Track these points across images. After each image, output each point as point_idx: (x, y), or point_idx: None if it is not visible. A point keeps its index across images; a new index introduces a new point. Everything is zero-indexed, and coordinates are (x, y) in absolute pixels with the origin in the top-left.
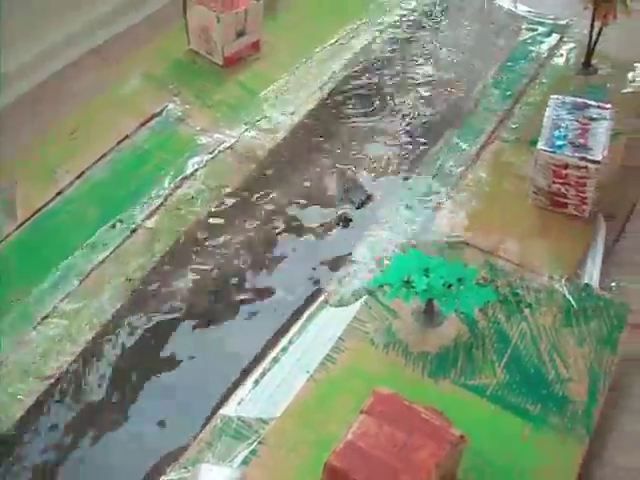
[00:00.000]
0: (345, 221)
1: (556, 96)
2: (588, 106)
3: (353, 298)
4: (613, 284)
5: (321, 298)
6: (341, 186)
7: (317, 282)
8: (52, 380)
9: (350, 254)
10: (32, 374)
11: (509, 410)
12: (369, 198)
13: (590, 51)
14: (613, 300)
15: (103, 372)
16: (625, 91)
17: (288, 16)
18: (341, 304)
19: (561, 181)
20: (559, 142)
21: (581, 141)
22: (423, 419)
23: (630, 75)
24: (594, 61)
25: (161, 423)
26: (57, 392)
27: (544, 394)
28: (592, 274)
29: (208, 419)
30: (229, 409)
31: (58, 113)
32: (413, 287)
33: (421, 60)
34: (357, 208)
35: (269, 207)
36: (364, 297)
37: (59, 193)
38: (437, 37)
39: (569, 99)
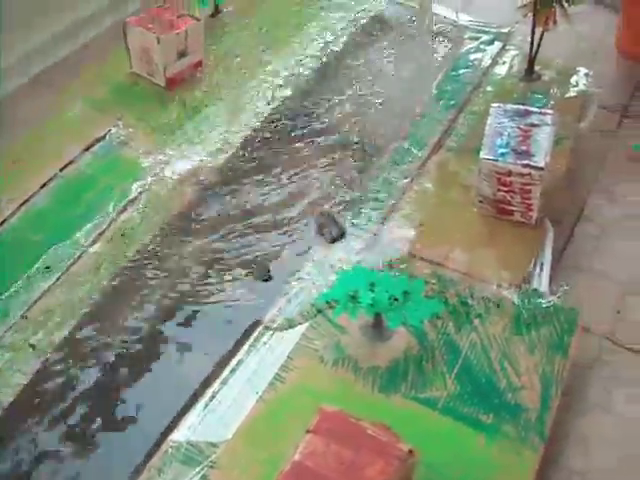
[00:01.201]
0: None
1: (497, 104)
2: (530, 113)
3: (297, 320)
4: (562, 289)
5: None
6: (317, 221)
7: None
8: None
9: (297, 271)
10: None
11: (462, 421)
12: (343, 235)
13: (532, 58)
14: (563, 305)
15: (49, 405)
16: (568, 96)
17: (231, 36)
18: (284, 327)
19: (506, 189)
20: (502, 150)
21: (523, 148)
22: (370, 435)
23: (573, 79)
24: (537, 67)
25: (110, 452)
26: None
27: (496, 403)
28: (541, 280)
29: (158, 446)
30: (179, 434)
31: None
32: (359, 302)
33: (364, 75)
34: (331, 242)
35: (210, 229)
36: (312, 315)
37: (3, 222)
38: (379, 50)
39: (510, 106)
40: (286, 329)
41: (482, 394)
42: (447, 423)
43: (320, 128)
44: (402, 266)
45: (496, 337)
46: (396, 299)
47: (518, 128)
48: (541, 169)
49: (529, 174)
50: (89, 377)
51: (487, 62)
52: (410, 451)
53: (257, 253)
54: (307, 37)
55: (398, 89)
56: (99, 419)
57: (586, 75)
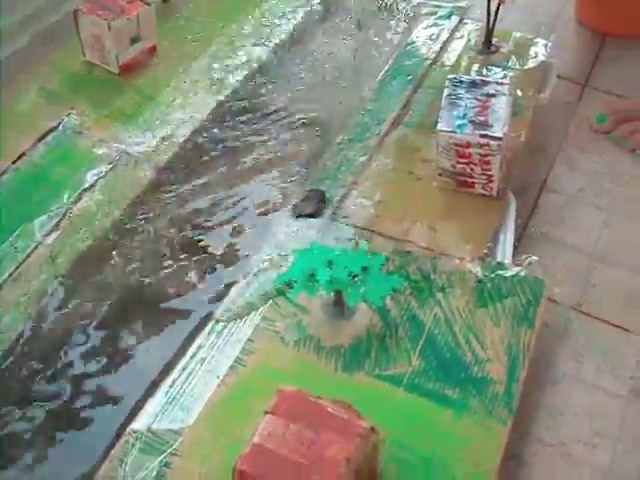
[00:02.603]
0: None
1: (453, 75)
2: (486, 83)
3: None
4: (527, 260)
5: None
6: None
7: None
8: None
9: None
10: None
11: (428, 397)
12: (314, 216)
13: (490, 30)
14: (527, 276)
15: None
16: (527, 67)
17: (184, 20)
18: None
19: (465, 161)
20: (459, 121)
21: (481, 118)
22: (330, 414)
23: (532, 51)
24: (495, 40)
25: (68, 442)
26: None
27: (463, 378)
28: (505, 252)
29: (118, 436)
30: (139, 423)
31: None
32: (317, 280)
33: (317, 55)
34: (296, 217)
35: (166, 219)
36: (271, 295)
37: None
38: (330, 29)
39: (466, 77)
40: (247, 313)
41: (447, 369)
42: (413, 400)
43: (274, 109)
44: (362, 243)
45: (460, 310)
46: (355, 276)
47: (475, 99)
48: (500, 139)
49: (487, 144)
50: (46, 367)
51: (445, 36)
52: (372, 428)
53: (216, 232)
54: (259, 20)
55: (352, 67)
56: (57, 411)
57: (545, 46)
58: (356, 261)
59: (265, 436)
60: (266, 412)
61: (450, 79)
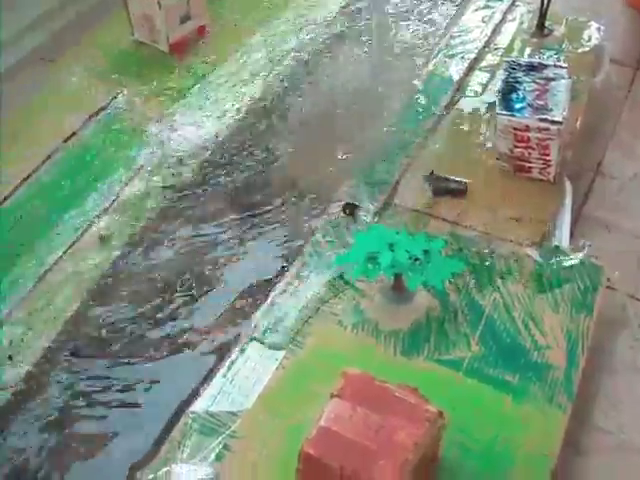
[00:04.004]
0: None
1: (510, 58)
2: (545, 66)
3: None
4: (584, 246)
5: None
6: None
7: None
8: (12, 390)
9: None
10: None
11: (487, 383)
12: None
13: (543, 13)
14: (586, 262)
15: (61, 380)
16: (581, 51)
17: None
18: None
19: (523, 145)
20: (518, 105)
21: (540, 102)
22: (398, 398)
23: (585, 34)
24: (548, 23)
25: (128, 425)
26: (19, 400)
27: (522, 364)
28: (562, 237)
29: (177, 418)
30: (198, 405)
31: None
32: (378, 263)
33: (371, 34)
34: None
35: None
36: (329, 277)
37: (6, 198)
38: (387, 9)
39: (524, 60)
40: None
41: (507, 354)
42: (472, 385)
43: (327, 89)
44: (418, 226)
45: (519, 296)
46: (416, 259)
47: (534, 82)
48: (559, 123)
49: (547, 129)
50: (104, 351)
51: (497, 19)
52: (440, 413)
53: (268, 216)
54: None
55: (406, 47)
56: (118, 393)
57: (598, 29)
58: (417, 244)
59: (332, 419)
60: (332, 395)
61: (508, 62)
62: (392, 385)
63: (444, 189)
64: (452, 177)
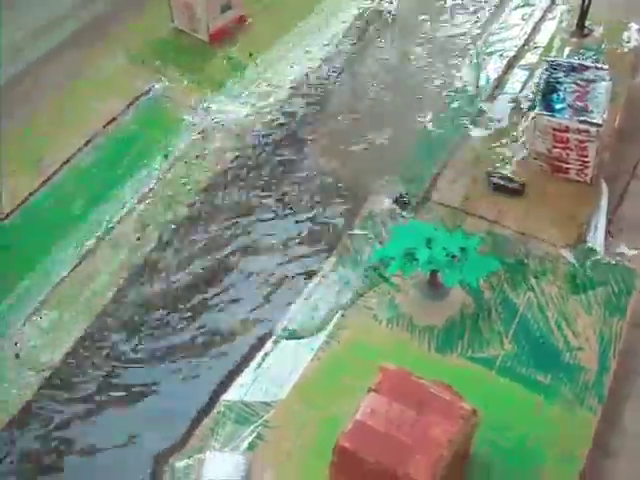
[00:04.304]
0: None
1: (550, 58)
2: (586, 68)
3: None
4: (619, 249)
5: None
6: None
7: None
8: (48, 372)
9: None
10: (27, 366)
11: (519, 382)
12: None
13: (583, 12)
14: (620, 265)
15: (97, 363)
16: (620, 51)
17: None
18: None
19: (562, 146)
20: (558, 105)
21: (581, 104)
22: (433, 394)
23: (625, 35)
24: (588, 23)
25: (162, 410)
26: (53, 384)
27: (554, 364)
28: (597, 239)
29: (211, 406)
30: (232, 394)
31: (40, 101)
32: (416, 259)
33: (414, 31)
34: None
35: (253, 186)
36: (365, 271)
37: (46, 181)
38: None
39: (564, 61)
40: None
41: (539, 354)
42: (505, 383)
43: (365, 82)
44: (455, 223)
45: (553, 296)
46: (453, 256)
47: (574, 84)
48: (599, 125)
49: (587, 131)
50: (135, 339)
51: (537, 17)
52: (474, 411)
53: (304, 208)
54: None
55: (446, 44)
56: (150, 378)
57: (638, 31)
58: (454, 242)
59: (368, 413)
60: (369, 389)
61: (548, 62)
62: (428, 381)
63: (503, 187)
64: (512, 176)
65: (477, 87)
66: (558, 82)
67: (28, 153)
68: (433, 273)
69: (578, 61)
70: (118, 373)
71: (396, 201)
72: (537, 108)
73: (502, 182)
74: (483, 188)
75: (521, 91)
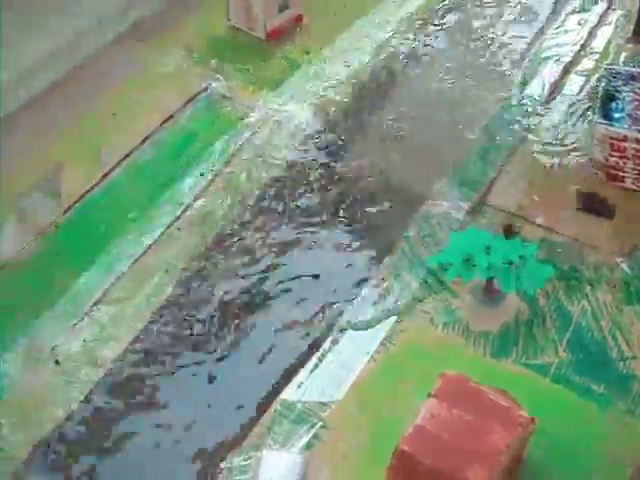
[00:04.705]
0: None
1: (610, 66)
2: None
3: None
4: None
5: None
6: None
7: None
8: (105, 368)
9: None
10: (85, 362)
11: (573, 389)
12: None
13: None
14: None
15: (154, 360)
16: None
17: None
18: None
19: (618, 154)
20: (617, 114)
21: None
22: (492, 401)
23: None
24: None
25: (217, 409)
26: (112, 381)
27: (607, 373)
28: None
29: (266, 404)
30: (289, 394)
31: (97, 95)
32: (474, 266)
33: (468, 33)
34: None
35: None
36: (422, 275)
37: (105, 175)
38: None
39: (624, 69)
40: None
41: (593, 363)
42: (558, 390)
43: (421, 86)
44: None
45: (607, 305)
46: (511, 263)
47: (633, 92)
48: None
49: None
50: (196, 330)
51: (593, 22)
52: (532, 419)
53: (361, 213)
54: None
55: (501, 48)
56: (207, 373)
57: None
58: (513, 249)
59: (428, 418)
60: (429, 395)
61: (607, 69)
62: (486, 388)
63: (591, 208)
64: (602, 197)
65: (533, 93)
66: (617, 91)
67: (86, 147)
68: (489, 279)
69: (637, 69)
70: (174, 370)
71: (505, 229)
72: (596, 117)
73: (593, 204)
74: (539, 194)
75: (577, 97)
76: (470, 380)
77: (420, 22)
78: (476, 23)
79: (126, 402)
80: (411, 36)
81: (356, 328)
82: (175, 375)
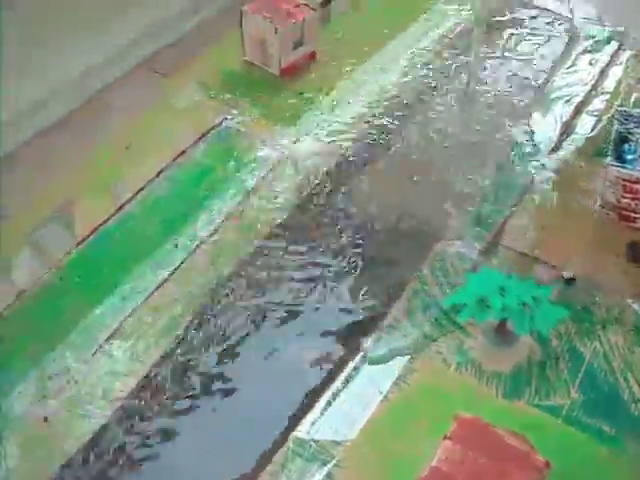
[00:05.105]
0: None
1: (623, 108)
2: None
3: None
4: None
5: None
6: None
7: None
8: (119, 402)
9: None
10: (99, 396)
11: (585, 431)
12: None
13: None
14: None
15: (169, 394)
16: None
17: (342, 26)
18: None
19: (631, 196)
20: (629, 156)
21: None
22: (508, 445)
23: None
24: None
25: (229, 445)
26: (125, 414)
27: (620, 416)
28: None
29: (280, 441)
30: (302, 431)
31: (111, 127)
32: (488, 307)
33: (474, 70)
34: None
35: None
36: (435, 315)
37: (119, 208)
38: (495, 47)
39: (636, 112)
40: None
41: (605, 405)
42: (570, 432)
43: (435, 125)
44: (524, 269)
45: (619, 347)
46: (525, 304)
47: None
48: None
49: None
50: (209, 365)
51: (604, 62)
52: (547, 463)
53: (373, 249)
54: (420, 29)
55: (511, 87)
56: (220, 408)
57: None
58: (527, 290)
59: (443, 460)
60: (445, 437)
61: (619, 112)
62: (502, 430)
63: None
64: None
65: (545, 133)
66: (630, 132)
67: (100, 180)
68: (502, 320)
69: None
70: (188, 405)
71: (564, 281)
72: (608, 158)
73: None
74: (550, 234)
75: (589, 137)
76: (485, 422)
77: (432, 56)
78: (489, 61)
79: (137, 437)
80: (427, 72)
81: (370, 363)
82: (187, 410)
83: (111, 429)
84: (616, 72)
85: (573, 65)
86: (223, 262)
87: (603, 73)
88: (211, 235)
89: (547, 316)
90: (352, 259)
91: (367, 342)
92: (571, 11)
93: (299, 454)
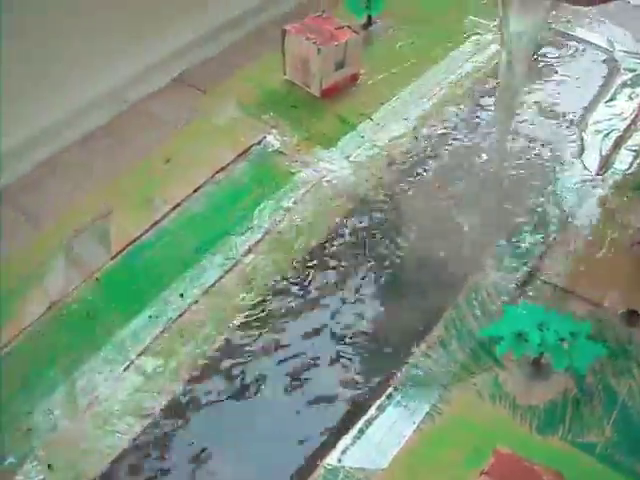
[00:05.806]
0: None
1: None
2: None
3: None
4: None
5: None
6: None
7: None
8: (150, 419)
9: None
10: (129, 412)
11: (618, 471)
12: None
13: None
14: None
15: (197, 414)
16: None
17: (384, 49)
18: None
19: None
20: None
21: None
22: None
23: None
24: None
25: (263, 468)
26: (154, 432)
27: None
28: None
29: (311, 467)
30: (334, 458)
31: (149, 141)
32: (526, 341)
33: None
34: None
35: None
36: (471, 346)
37: (155, 223)
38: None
39: None
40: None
41: (639, 444)
42: (604, 471)
43: (472, 152)
44: (560, 304)
45: None
46: (563, 340)
47: None
48: None
49: None
50: (238, 386)
51: None
52: None
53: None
54: (461, 56)
55: (551, 117)
56: (253, 429)
57: None
58: (566, 325)
59: None
60: (481, 472)
61: None
62: (538, 466)
63: None
64: None
65: (584, 166)
66: None
67: (137, 193)
68: (539, 354)
69: None
70: (217, 434)
71: (629, 314)
72: None
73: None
74: (589, 268)
75: (628, 172)
76: (522, 458)
77: (470, 87)
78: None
79: (168, 455)
80: (467, 102)
81: (403, 394)
82: (219, 430)
83: (140, 447)
84: None
85: (612, 99)
86: (258, 282)
87: None
88: (247, 254)
89: (584, 352)
90: (386, 288)
91: (401, 371)
92: (611, 44)
93: None
